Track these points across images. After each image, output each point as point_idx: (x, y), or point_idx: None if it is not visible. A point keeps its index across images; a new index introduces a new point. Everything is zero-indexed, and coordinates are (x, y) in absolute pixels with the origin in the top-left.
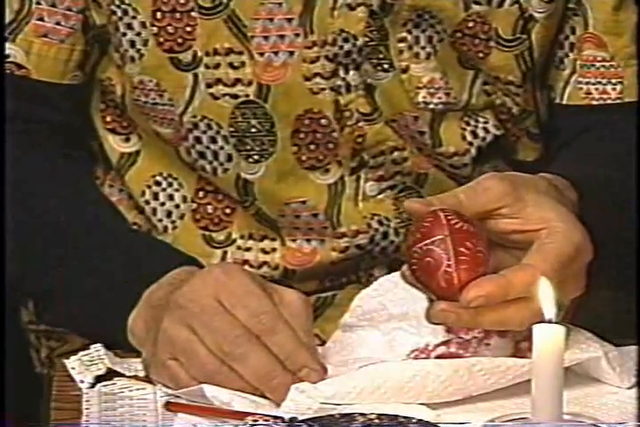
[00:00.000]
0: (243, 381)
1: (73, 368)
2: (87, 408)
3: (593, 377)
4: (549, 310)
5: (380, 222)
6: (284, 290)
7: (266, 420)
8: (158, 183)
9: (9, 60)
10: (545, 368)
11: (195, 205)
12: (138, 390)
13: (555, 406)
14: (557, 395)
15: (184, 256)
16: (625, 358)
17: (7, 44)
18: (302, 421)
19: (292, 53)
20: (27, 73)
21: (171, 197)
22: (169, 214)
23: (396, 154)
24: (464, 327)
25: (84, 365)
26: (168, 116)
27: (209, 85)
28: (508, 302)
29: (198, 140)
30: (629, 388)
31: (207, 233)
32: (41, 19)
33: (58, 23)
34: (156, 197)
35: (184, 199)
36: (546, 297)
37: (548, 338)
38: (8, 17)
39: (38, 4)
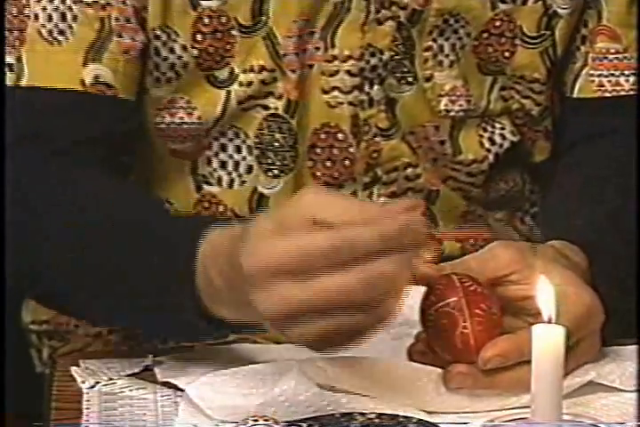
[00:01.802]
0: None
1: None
2: (87, 408)
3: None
4: (547, 310)
5: None
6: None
7: (266, 420)
8: None
9: (98, 80)
10: (545, 368)
11: None
12: (138, 390)
13: (554, 406)
14: (557, 395)
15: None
16: (624, 365)
17: (92, 65)
18: (302, 420)
19: (316, 67)
20: (115, 92)
21: None
22: None
23: (409, 170)
24: (481, 388)
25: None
26: (193, 133)
27: (240, 102)
28: (524, 361)
29: (223, 147)
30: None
31: None
32: (120, 35)
33: (133, 39)
34: None
35: None
36: (544, 297)
37: (548, 338)
38: (88, 39)
39: (117, 20)
